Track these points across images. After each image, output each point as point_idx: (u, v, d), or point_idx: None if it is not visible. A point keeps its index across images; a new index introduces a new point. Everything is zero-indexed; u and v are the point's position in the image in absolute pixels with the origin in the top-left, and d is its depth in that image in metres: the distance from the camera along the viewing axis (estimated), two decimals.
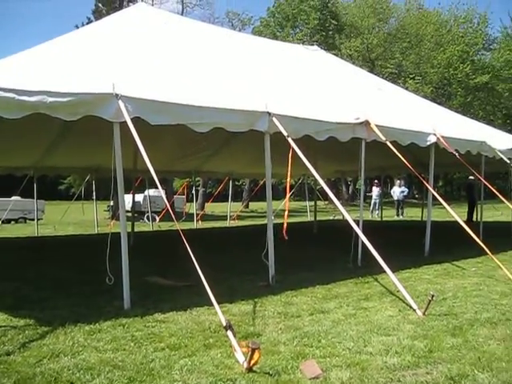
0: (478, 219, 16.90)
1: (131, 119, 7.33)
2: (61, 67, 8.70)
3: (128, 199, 19.62)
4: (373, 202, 32.74)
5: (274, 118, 8.91)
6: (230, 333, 5.40)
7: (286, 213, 9.71)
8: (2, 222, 26.59)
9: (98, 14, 40.62)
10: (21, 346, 5.76)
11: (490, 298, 7.93)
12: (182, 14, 39.96)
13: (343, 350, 5.51)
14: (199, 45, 12.97)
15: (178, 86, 9.24)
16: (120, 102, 7.31)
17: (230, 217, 28.04)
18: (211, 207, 36.00)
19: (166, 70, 10.19)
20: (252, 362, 4.87)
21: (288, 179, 9.65)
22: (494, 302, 7.64)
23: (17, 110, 6.86)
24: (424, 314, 6.84)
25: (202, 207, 35.12)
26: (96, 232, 21.66)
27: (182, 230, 6.61)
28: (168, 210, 20.76)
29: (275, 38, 43.53)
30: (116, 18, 13.17)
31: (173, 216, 7.98)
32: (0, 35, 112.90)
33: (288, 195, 10.24)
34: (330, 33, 52.03)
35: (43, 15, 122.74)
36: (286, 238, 8.92)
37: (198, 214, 26.60)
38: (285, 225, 9.02)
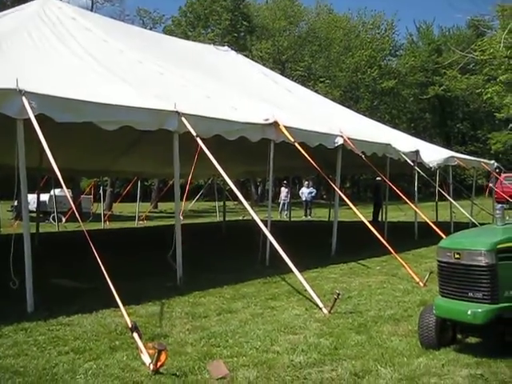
0: (383, 219, 17.42)
1: (36, 116, 7.09)
2: None
3: (33, 199, 19.01)
4: (282, 202, 33.08)
5: (182, 118, 8.84)
6: (135, 334, 5.32)
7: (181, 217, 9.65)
8: None
9: (2, 6, 39.04)
10: None
11: (394, 296, 8.17)
12: (91, 10, 38.94)
13: (250, 350, 5.53)
14: (108, 42, 12.71)
15: (85, 83, 9.05)
16: (24, 98, 7.05)
17: (139, 217, 27.68)
18: (119, 207, 35.34)
19: (73, 67, 9.95)
20: (158, 363, 4.82)
21: (190, 177, 9.62)
22: (397, 300, 7.88)
23: None
24: (330, 312, 6.96)
25: (110, 207, 34.43)
26: None
27: (87, 231, 6.47)
28: (74, 210, 20.26)
29: (186, 37, 43.21)
30: (21, 10, 12.73)
31: (78, 217, 7.78)
32: None
33: (185, 195, 10.21)
34: (242, 34, 52.32)
35: None
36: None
37: (105, 215, 26.09)
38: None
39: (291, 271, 7.97)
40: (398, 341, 5.77)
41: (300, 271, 7.96)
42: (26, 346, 5.73)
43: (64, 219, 25.89)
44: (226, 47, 21.25)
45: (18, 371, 4.96)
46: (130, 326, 5.49)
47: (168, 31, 48.48)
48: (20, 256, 7.15)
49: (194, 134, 8.78)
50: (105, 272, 6.09)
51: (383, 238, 10.23)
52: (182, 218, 9.68)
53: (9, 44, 10.09)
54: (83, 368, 5.03)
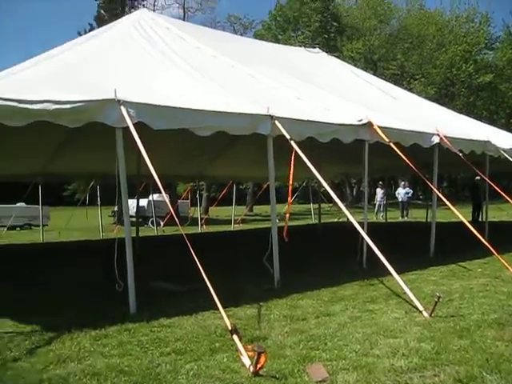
0: (484, 219, 16.87)
1: (134, 124, 7.34)
2: (65, 74, 8.76)
3: (132, 204, 19.63)
4: (377, 203, 32.65)
5: (276, 121, 8.89)
6: (235, 337, 5.38)
7: (287, 215, 9.68)
8: (8, 228, 26.65)
9: (101, 21, 40.68)
10: (27, 351, 5.78)
11: (497, 299, 7.88)
12: (183, 20, 39.92)
13: (350, 353, 5.48)
14: (201, 49, 12.95)
15: (180, 91, 9.25)
16: (122, 107, 7.32)
17: (235, 221, 28.03)
18: (215, 211, 35.94)
19: (168, 75, 10.19)
20: (258, 365, 4.86)
21: (290, 182, 9.63)
22: (501, 303, 7.59)
23: (21, 118, 6.91)
24: (431, 315, 6.80)
25: (206, 211, 35.04)
26: (101, 237, 21.68)
27: (186, 235, 6.60)
28: (172, 214, 20.69)
29: (277, 41, 43.57)
30: (118, 24, 13.17)
31: (177, 221, 7.96)
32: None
33: (290, 199, 10.19)
34: (332, 35, 52.00)
35: (46, 19, 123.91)
36: (286, 239, 8.90)
37: (202, 219, 26.56)
38: (285, 227, 9.01)
39: (389, 273, 7.83)
40: (503, 346, 5.55)
41: (398, 273, 7.81)
42: (129, 346, 5.92)
43: (162, 223, 26.58)
44: (317, 49, 21.16)
45: (123, 370, 5.13)
46: (229, 328, 5.56)
47: (258, 36, 48.98)
48: (120, 260, 7.43)
49: (288, 137, 8.80)
50: (204, 275, 6.19)
51: (484, 238, 9.89)
52: (277, 220, 9.71)
53: (108, 56, 10.47)
54: (185, 369, 5.14)
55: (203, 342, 5.96)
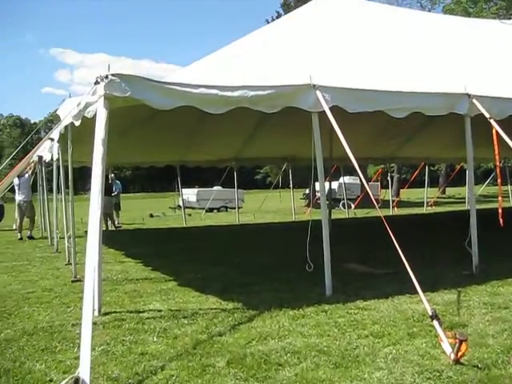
0: None
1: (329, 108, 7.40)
2: (259, 61, 9.06)
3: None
4: None
5: (474, 100, 8.51)
6: (436, 322, 5.26)
7: (500, 198, 9.22)
8: (206, 211, 28.21)
9: (287, 7, 41.36)
10: (231, 327, 6.13)
11: None
12: None
13: None
14: (390, 29, 12.70)
15: (373, 72, 9.18)
16: (318, 92, 7.41)
17: (427, 203, 27.32)
18: (406, 193, 35.25)
19: (359, 57, 10.16)
20: (459, 353, 4.72)
21: (497, 163, 9.16)
22: None
23: (222, 105, 7.23)
24: None
25: (397, 193, 34.52)
26: (293, 219, 22.19)
27: (379, 217, 6.57)
28: (364, 196, 20.69)
29: (467, 14, 41.34)
30: (305, 9, 13.32)
31: (374, 202, 7.93)
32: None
33: (500, 181, 9.71)
34: None
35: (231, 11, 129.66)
36: (502, 223, 8.48)
37: (393, 201, 26.21)
38: (500, 210, 8.59)
39: None
40: None
41: None
42: (327, 327, 6.03)
43: (353, 206, 26.64)
44: None
45: (322, 350, 5.25)
46: (429, 313, 5.44)
47: (448, 11, 46.83)
48: (312, 241, 7.57)
49: (487, 116, 8.38)
50: (403, 258, 6.09)
51: None
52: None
53: (299, 41, 10.64)
54: (383, 352, 5.14)
55: (401, 326, 5.92)
